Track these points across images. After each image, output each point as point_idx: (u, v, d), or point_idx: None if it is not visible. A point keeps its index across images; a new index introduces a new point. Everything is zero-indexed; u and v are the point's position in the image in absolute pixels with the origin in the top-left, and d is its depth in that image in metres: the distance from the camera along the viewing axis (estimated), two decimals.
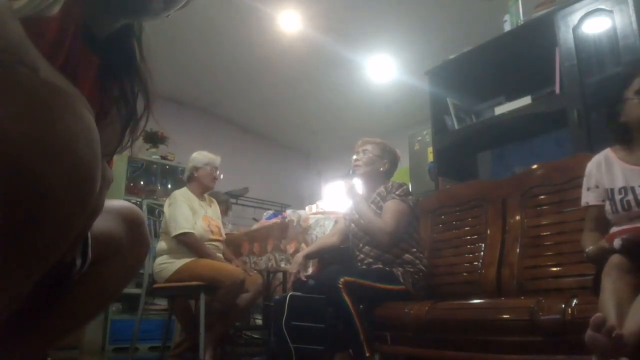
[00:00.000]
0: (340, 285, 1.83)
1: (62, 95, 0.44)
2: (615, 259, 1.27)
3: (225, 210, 4.02)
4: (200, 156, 3.00)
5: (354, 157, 2.36)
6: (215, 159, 3.04)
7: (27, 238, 0.42)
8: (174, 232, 2.72)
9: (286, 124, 6.11)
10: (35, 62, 0.47)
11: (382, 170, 2.33)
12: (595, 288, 1.33)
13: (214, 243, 2.90)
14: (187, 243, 2.72)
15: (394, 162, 2.39)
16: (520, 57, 2.78)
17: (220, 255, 2.93)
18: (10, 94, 0.40)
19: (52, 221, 0.43)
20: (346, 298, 1.82)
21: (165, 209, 2.86)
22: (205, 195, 3.08)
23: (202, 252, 2.73)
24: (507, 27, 2.78)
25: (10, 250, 0.41)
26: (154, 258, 2.81)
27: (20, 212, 0.40)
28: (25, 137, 0.39)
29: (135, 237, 0.82)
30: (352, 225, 2.27)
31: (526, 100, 2.60)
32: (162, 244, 2.81)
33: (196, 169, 2.98)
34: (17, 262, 0.43)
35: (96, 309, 0.81)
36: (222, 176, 3.10)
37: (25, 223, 0.41)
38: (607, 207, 1.54)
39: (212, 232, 2.90)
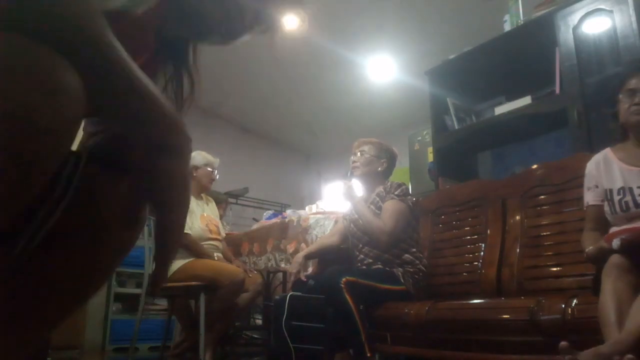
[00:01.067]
0: (342, 285, 1.83)
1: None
2: (614, 259, 1.27)
3: (224, 209, 4.02)
4: (200, 156, 3.01)
5: (352, 158, 2.36)
6: (215, 161, 3.04)
7: (22, 147, 0.43)
8: None
9: (286, 124, 6.11)
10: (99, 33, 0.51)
11: (380, 170, 2.33)
12: (595, 288, 1.33)
13: (212, 242, 2.90)
14: (182, 244, 2.72)
15: (391, 161, 2.38)
16: (520, 57, 2.78)
17: (220, 254, 2.93)
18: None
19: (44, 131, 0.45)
20: (348, 298, 1.82)
21: None
22: (202, 194, 3.08)
23: (199, 252, 2.73)
24: (507, 27, 2.78)
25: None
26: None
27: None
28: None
29: None
30: (352, 225, 2.27)
31: (526, 100, 2.60)
32: None
33: (195, 168, 2.99)
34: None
35: (75, 294, 0.69)
36: (218, 177, 3.10)
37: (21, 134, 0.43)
38: (606, 207, 1.54)
39: (210, 231, 2.90)
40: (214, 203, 3.17)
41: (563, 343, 1.10)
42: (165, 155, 0.62)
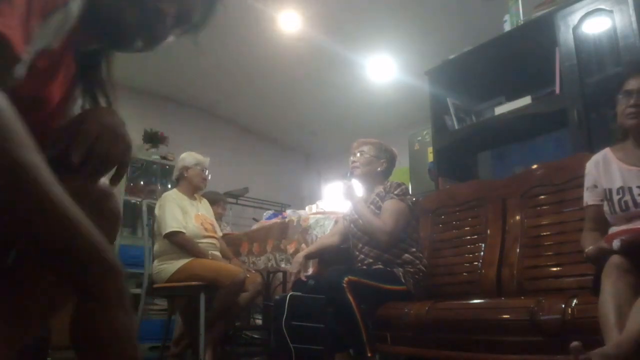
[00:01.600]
0: (345, 285, 1.83)
1: None
2: (615, 259, 1.27)
3: (223, 208, 4.02)
4: (190, 157, 3.03)
5: (351, 158, 2.36)
6: (205, 160, 3.06)
7: None
8: (163, 233, 2.73)
9: (286, 124, 6.11)
10: None
11: (379, 170, 2.33)
12: (595, 288, 1.33)
13: (209, 240, 2.90)
14: (177, 242, 2.73)
15: (391, 161, 2.38)
16: (520, 57, 2.77)
17: (217, 253, 2.93)
18: None
19: None
20: (350, 298, 1.82)
21: (157, 211, 2.87)
22: (195, 194, 3.09)
23: (194, 251, 2.73)
24: (507, 27, 2.78)
25: None
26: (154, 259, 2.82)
27: None
28: None
29: (102, 211, 0.76)
30: (352, 225, 2.27)
31: (526, 100, 2.60)
32: (156, 246, 2.82)
33: (186, 168, 3.00)
34: None
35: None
36: (210, 176, 3.11)
37: None
38: (606, 207, 1.54)
39: (205, 229, 2.91)
40: (207, 202, 3.19)
41: (575, 343, 1.10)
42: (91, 302, 0.53)
